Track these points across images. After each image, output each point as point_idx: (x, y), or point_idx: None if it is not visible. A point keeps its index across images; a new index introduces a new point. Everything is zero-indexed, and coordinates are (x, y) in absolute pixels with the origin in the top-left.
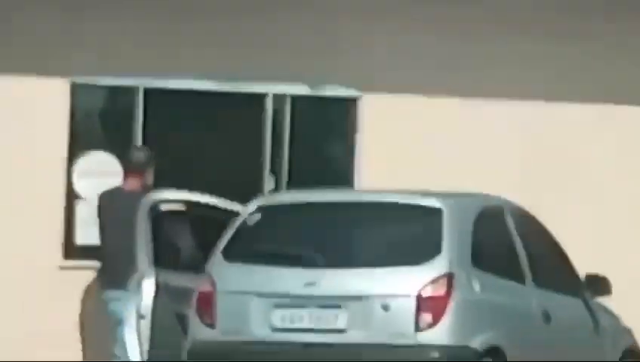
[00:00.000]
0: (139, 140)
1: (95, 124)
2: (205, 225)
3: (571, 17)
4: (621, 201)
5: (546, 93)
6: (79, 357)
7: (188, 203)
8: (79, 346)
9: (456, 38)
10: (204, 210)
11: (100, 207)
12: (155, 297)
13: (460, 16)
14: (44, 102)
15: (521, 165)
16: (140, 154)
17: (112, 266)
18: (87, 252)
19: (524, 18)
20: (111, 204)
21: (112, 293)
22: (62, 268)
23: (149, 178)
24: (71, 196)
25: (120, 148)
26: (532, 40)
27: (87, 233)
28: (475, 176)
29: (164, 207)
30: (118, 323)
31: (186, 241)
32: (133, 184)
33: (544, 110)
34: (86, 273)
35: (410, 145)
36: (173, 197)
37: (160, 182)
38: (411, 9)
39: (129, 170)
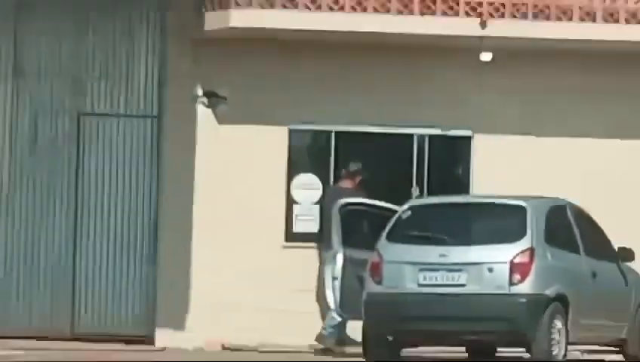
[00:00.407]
0: (331, 167)
1: (304, 155)
2: (376, 219)
3: None
4: None
5: None
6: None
7: (365, 204)
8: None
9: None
10: (375, 209)
11: (324, 197)
12: (344, 265)
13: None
14: (273, 143)
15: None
16: (353, 166)
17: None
18: (300, 236)
19: None
20: (330, 195)
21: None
22: (284, 247)
23: (358, 181)
24: (290, 201)
25: (319, 171)
26: None
27: (300, 225)
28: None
29: (350, 208)
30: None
31: (363, 229)
32: (347, 183)
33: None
34: (301, 250)
35: (519, 169)
36: (355, 201)
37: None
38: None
39: (345, 174)
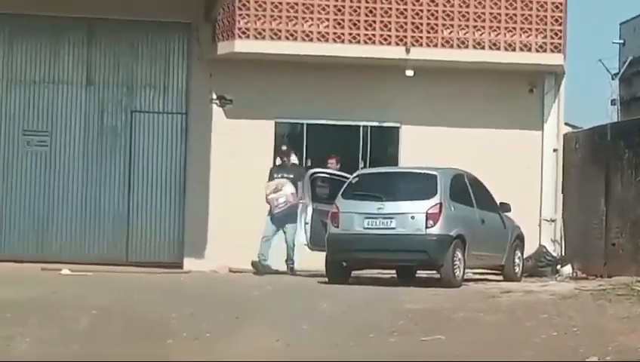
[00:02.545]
0: (304, 147)
1: (285, 139)
2: (335, 183)
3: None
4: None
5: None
6: None
7: (327, 173)
8: None
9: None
10: (334, 176)
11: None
12: (313, 214)
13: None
14: (264, 131)
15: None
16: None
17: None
18: None
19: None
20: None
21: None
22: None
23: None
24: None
25: (295, 151)
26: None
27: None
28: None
29: (316, 175)
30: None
31: (326, 189)
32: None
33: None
34: None
35: (433, 149)
36: (320, 171)
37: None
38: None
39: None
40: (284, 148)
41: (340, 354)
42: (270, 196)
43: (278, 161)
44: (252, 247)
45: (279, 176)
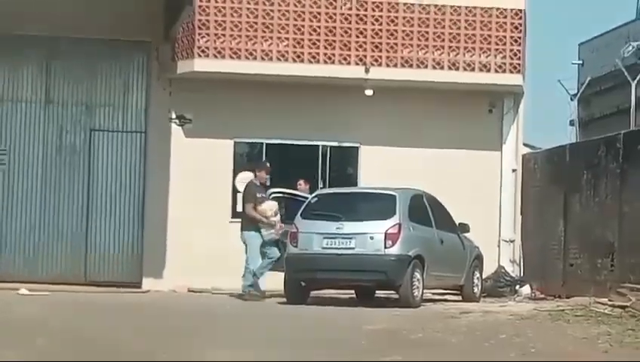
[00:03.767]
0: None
1: (244, 159)
2: (293, 203)
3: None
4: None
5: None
6: None
7: (285, 193)
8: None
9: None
10: (293, 197)
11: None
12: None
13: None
14: (223, 150)
15: (434, 182)
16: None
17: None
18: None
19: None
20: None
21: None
22: (230, 222)
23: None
24: (234, 190)
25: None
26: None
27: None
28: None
29: (275, 195)
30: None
31: (284, 210)
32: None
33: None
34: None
35: (391, 169)
36: (279, 190)
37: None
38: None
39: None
40: (268, 165)
41: None
42: (272, 219)
43: (263, 179)
44: (211, 267)
45: (260, 195)
